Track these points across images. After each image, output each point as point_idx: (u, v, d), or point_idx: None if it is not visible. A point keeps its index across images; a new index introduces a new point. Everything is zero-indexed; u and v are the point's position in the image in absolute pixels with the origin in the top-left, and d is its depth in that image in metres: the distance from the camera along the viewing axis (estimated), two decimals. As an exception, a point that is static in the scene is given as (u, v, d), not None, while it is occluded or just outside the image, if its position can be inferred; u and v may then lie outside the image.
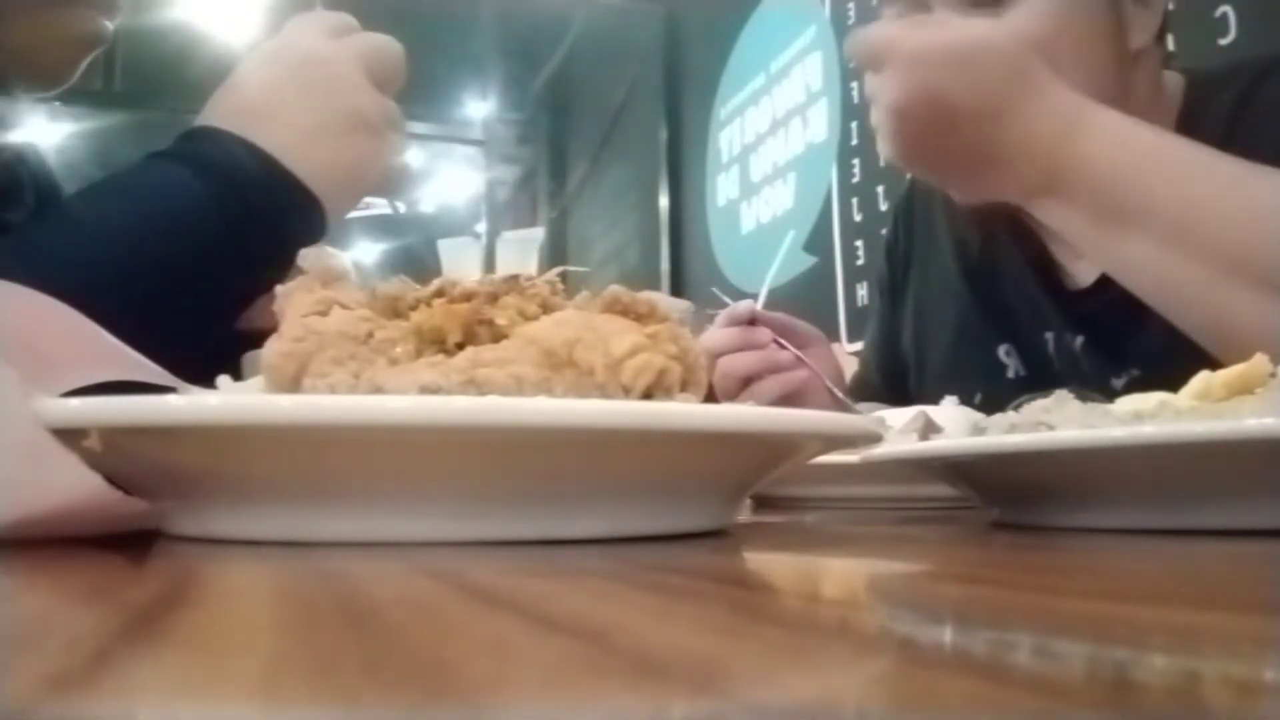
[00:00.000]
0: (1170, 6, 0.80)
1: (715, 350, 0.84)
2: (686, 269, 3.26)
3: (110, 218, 0.51)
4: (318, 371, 0.31)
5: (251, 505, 0.30)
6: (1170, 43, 0.81)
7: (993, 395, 0.72)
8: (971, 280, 0.87)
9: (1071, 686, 0.12)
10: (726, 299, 0.90)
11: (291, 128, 0.55)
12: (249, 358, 0.62)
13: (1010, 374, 0.83)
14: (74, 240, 0.50)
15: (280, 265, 0.55)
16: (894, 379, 0.96)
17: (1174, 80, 0.77)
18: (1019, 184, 0.62)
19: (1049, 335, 0.80)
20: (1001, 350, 0.84)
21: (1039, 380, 0.75)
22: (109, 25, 0.65)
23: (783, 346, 0.84)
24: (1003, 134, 0.60)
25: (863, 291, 2.24)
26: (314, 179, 0.54)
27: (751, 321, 0.85)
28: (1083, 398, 0.41)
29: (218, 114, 0.55)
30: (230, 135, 0.53)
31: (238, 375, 0.39)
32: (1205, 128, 0.70)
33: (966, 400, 0.68)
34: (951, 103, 0.59)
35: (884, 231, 1.07)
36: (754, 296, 0.89)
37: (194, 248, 0.51)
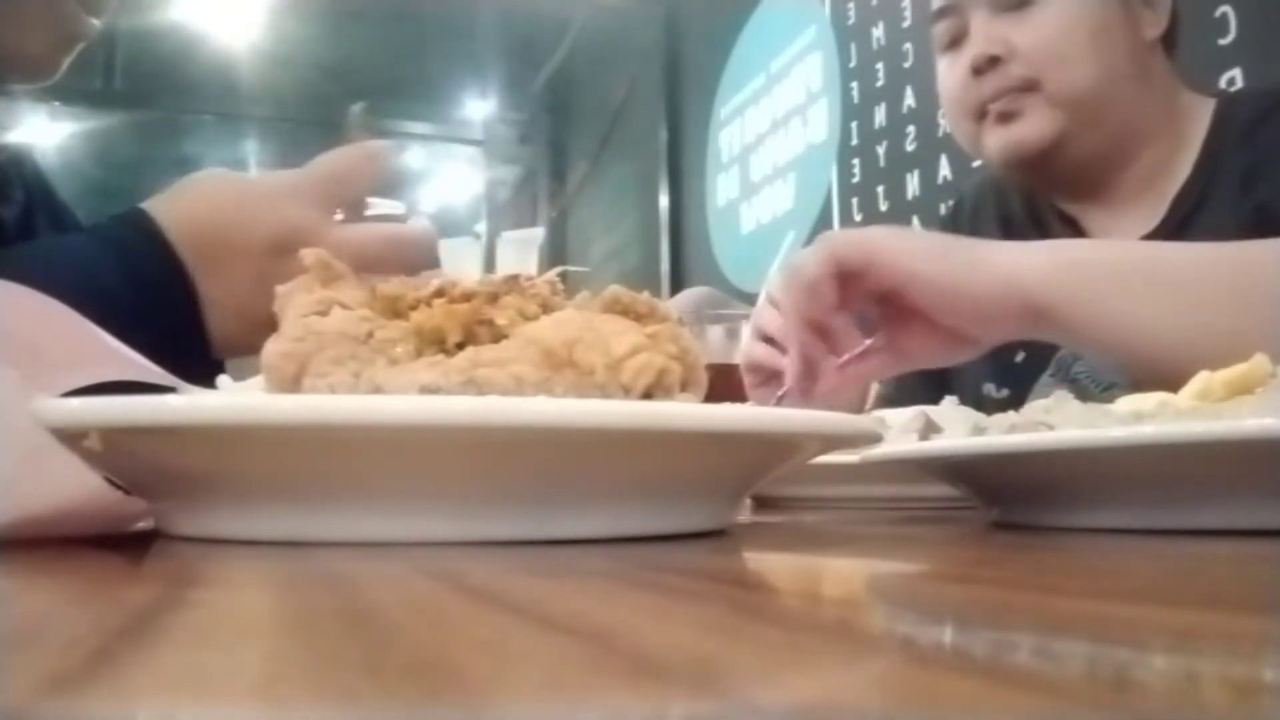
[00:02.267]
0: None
1: (771, 297, 0.88)
2: (686, 269, 3.26)
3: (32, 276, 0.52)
4: (318, 371, 0.31)
5: (251, 505, 0.30)
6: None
7: (1040, 351, 0.83)
8: None
9: (1071, 686, 0.12)
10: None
11: (219, 294, 0.54)
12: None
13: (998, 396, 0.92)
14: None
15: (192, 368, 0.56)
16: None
17: (1204, 101, 0.85)
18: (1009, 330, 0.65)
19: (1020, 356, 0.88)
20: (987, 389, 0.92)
21: (1021, 400, 0.85)
22: (94, 22, 0.65)
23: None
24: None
25: (863, 291, 2.24)
26: (220, 338, 0.55)
27: None
28: None
29: (176, 220, 0.54)
30: (173, 261, 0.53)
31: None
32: (1228, 134, 0.81)
33: (1011, 370, 0.80)
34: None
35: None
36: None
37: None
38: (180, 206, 0.55)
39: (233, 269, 0.54)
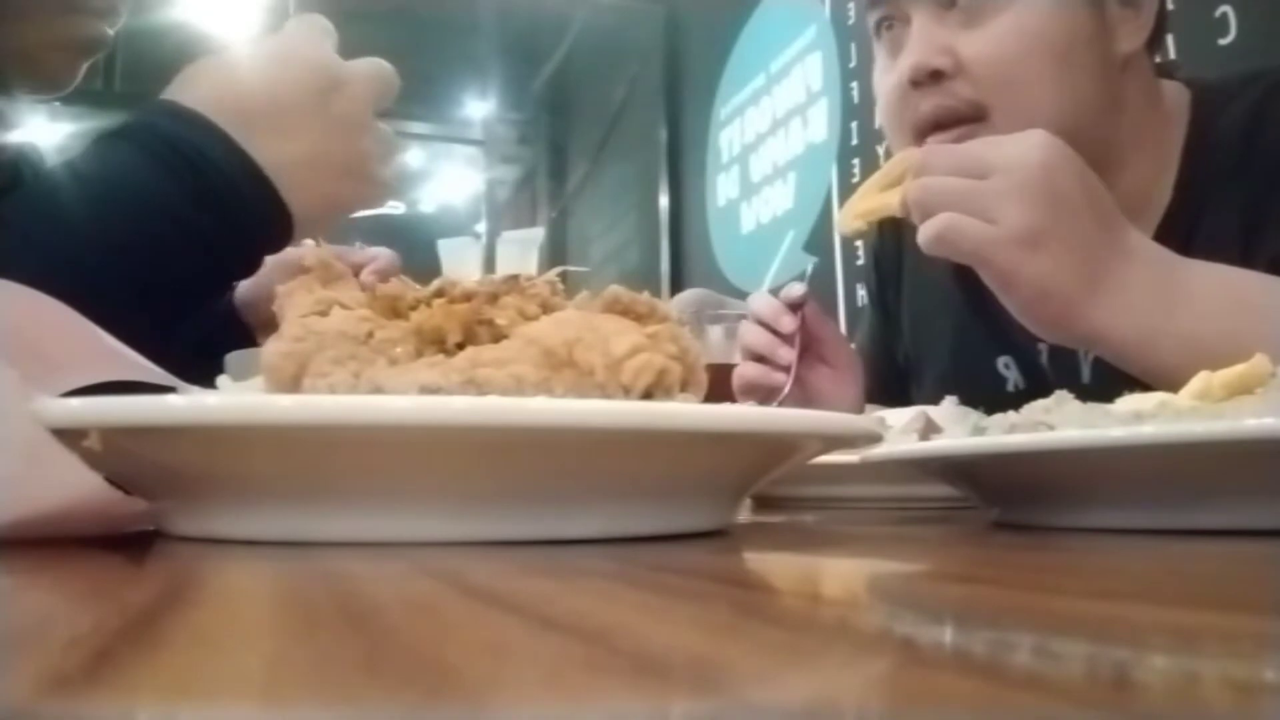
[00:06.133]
0: (1171, 6, 0.79)
1: (753, 313, 0.85)
2: (686, 269, 3.26)
3: (86, 214, 0.49)
4: (318, 371, 0.31)
5: (251, 505, 0.30)
6: (1171, 49, 0.80)
7: (995, 408, 0.70)
8: (968, 292, 0.83)
9: (1071, 686, 0.12)
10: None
11: (295, 150, 0.52)
12: (231, 358, 0.62)
13: (1010, 386, 0.82)
14: (44, 229, 0.48)
15: (244, 269, 0.55)
16: (888, 386, 0.93)
17: (1179, 93, 0.74)
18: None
19: (1042, 346, 0.78)
20: (1000, 363, 0.83)
21: (1038, 392, 0.71)
22: (109, 31, 0.65)
23: (804, 349, 0.83)
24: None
25: (863, 291, 2.24)
26: (299, 206, 0.53)
27: (798, 307, 0.83)
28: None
29: (209, 102, 0.51)
30: (222, 139, 0.50)
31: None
32: (1218, 143, 0.69)
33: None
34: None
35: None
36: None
37: (165, 249, 0.50)
38: (202, 82, 0.53)
39: (285, 120, 0.52)
